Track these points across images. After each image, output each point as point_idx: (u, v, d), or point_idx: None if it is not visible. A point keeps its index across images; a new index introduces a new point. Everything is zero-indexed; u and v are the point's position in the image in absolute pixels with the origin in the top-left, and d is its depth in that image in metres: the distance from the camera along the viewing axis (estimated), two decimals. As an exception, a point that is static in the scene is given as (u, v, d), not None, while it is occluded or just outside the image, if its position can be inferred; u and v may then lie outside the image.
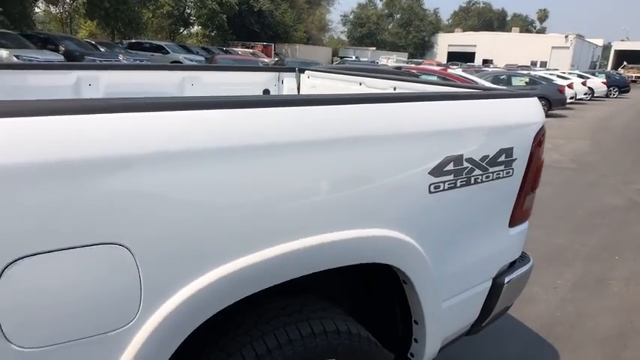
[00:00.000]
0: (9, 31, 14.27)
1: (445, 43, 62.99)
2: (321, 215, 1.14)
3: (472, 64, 43.94)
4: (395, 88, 2.35)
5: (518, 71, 18.83)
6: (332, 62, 39.32)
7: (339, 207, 1.16)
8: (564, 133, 11.66)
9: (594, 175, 7.17)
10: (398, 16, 66.23)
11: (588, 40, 64.19)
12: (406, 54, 56.25)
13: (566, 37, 54.90)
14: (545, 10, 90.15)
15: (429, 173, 1.32)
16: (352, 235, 1.19)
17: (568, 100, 16.62)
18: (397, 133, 1.25)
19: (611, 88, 24.61)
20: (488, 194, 1.53)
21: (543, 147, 1.74)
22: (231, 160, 0.99)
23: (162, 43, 24.57)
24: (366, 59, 42.02)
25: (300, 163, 1.08)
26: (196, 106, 0.99)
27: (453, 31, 69.67)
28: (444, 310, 1.51)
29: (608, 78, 25.16)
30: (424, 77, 9.07)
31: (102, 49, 18.22)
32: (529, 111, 1.66)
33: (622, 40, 66.77)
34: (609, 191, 6.24)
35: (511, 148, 1.56)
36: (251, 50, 33.25)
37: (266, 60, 25.75)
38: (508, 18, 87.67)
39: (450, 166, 1.38)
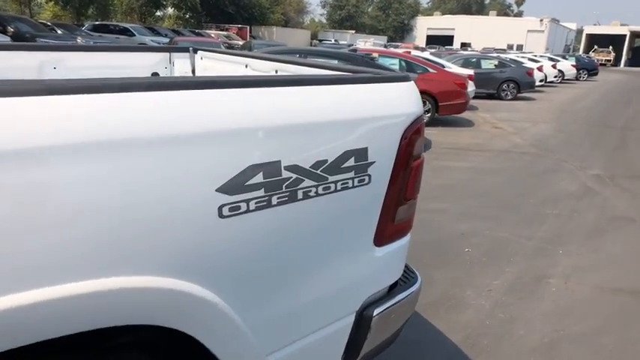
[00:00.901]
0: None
1: (424, 26, 62.47)
2: (32, 262, 0.77)
3: (450, 47, 43.73)
4: (277, 71, 1.98)
5: (489, 54, 18.56)
6: (310, 45, 38.69)
7: (63, 248, 0.79)
8: (530, 116, 11.47)
9: (552, 160, 6.95)
10: (377, -2, 65.38)
11: (563, 24, 64.48)
12: (385, 37, 55.64)
13: (541, 20, 54.92)
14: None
15: (217, 191, 0.96)
16: (86, 290, 0.82)
17: (538, 83, 16.50)
18: (159, 136, 0.88)
19: (581, 71, 24.80)
20: (329, 210, 1.18)
21: (420, 144, 1.39)
22: None
23: (128, 25, 23.61)
24: (345, 42, 41.56)
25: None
26: None
27: (432, 15, 69.23)
28: (276, 363, 1.17)
29: (578, 61, 25.28)
30: (383, 61, 8.70)
31: (59, 31, 17.28)
32: (396, 99, 1.31)
33: (594, 25, 67.19)
34: (565, 177, 6.01)
35: (364, 149, 1.20)
36: (225, 33, 32.35)
37: (240, 43, 25.10)
38: (487, 1, 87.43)
39: (258, 178, 1.01)
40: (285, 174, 1.05)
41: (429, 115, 9.02)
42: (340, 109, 1.16)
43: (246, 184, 1.00)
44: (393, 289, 1.52)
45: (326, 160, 1.12)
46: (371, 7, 65.39)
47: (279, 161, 1.04)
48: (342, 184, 1.17)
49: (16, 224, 0.75)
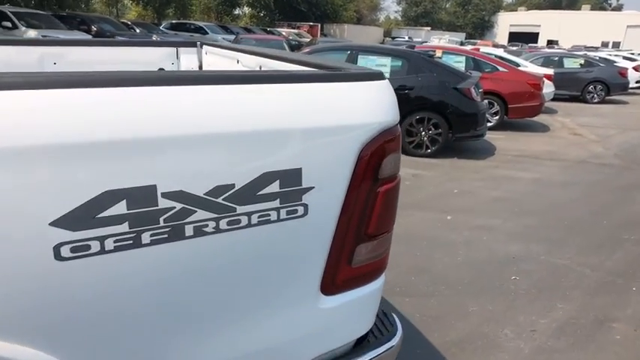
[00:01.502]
0: (42, 12, 14.55)
1: (506, 22, 59.07)
2: None
3: (535, 45, 41.05)
4: (260, 67, 1.71)
5: (574, 52, 16.91)
6: (382, 42, 38.29)
7: None
8: (618, 122, 10.23)
9: (639, 174, 6.03)
10: (456, -7, 62.86)
11: (675, 17, 57.80)
12: (463, 34, 53.41)
13: (645, 14, 49.66)
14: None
15: (52, 225, 0.70)
16: None
17: (633, 85, 14.76)
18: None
19: (694, 72, 21.83)
20: (239, 251, 0.89)
21: (391, 163, 1.05)
22: None
23: (202, 24, 24.57)
24: (419, 39, 40.69)
25: None
26: None
27: (516, 10, 65.34)
28: None
29: (689, 60, 22.23)
30: (448, 58, 8.12)
31: (137, 30, 18.34)
32: (353, 104, 0.98)
33: None
34: (653, 196, 5.16)
35: (296, 171, 0.90)
36: (296, 31, 32.72)
37: (307, 40, 25.26)
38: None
39: (119, 209, 0.75)
40: (164, 203, 0.78)
41: (497, 117, 8.31)
42: (258, 117, 0.86)
43: (99, 216, 0.74)
44: (361, 343, 1.19)
45: (232, 185, 0.84)
46: (449, 3, 63.07)
47: (154, 186, 0.77)
48: (259, 216, 0.88)
49: None
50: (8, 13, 12.37)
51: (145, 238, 0.78)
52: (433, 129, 6.23)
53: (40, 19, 13.17)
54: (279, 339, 1.00)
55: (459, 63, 8.19)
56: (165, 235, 0.79)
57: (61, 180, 0.70)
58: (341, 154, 0.95)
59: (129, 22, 20.30)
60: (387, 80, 1.05)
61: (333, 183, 0.95)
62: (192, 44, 2.50)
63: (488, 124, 7.87)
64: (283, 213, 0.90)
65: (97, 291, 0.77)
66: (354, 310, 1.12)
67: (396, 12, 62.95)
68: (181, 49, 2.48)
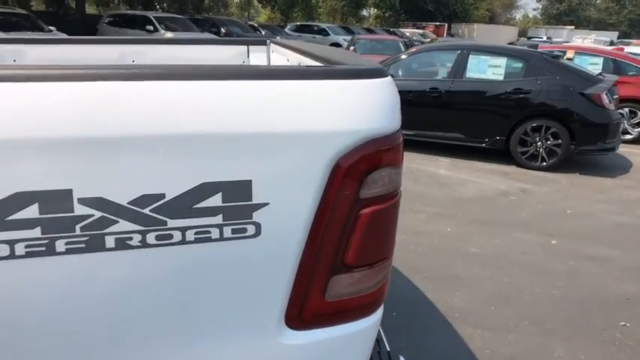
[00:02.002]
0: (179, 16, 16.22)
1: (673, 18, 50.80)
2: None
3: None
4: (300, 64, 1.59)
5: None
6: (514, 43, 35.78)
7: None
8: None
9: None
10: (610, -12, 55.83)
11: None
12: (616, 33, 47.24)
13: None
14: None
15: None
16: None
17: None
18: None
19: None
20: (168, 271, 0.78)
21: (384, 180, 0.86)
22: None
23: (325, 25, 25.21)
24: (560, 39, 37.14)
25: None
26: None
27: (689, 3, 55.78)
28: None
29: None
30: (581, 60, 7.17)
31: (263, 32, 19.49)
32: (328, 106, 0.82)
33: None
34: None
35: (243, 183, 0.77)
36: (421, 31, 31.94)
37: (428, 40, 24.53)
38: None
39: (30, 212, 0.70)
40: (81, 210, 0.71)
41: (639, 129, 7.11)
42: (196, 117, 0.75)
43: (9, 218, 0.69)
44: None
45: (161, 195, 0.73)
46: (600, -1, 56.27)
47: (70, 190, 0.70)
48: (197, 233, 0.77)
49: None
50: (152, 18, 13.99)
51: (60, 246, 0.71)
52: (552, 139, 5.50)
53: (177, 23, 14.68)
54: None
55: (594, 65, 7.16)
56: (83, 245, 0.72)
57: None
58: (307, 165, 0.79)
59: (256, 25, 21.70)
60: (388, 78, 0.86)
61: (295, 200, 0.80)
62: (263, 42, 2.47)
63: (626, 137, 6.78)
64: (227, 231, 0.78)
65: (2, 298, 0.72)
66: (334, 350, 0.94)
67: (534, 10, 58.10)
68: (252, 47, 2.47)
